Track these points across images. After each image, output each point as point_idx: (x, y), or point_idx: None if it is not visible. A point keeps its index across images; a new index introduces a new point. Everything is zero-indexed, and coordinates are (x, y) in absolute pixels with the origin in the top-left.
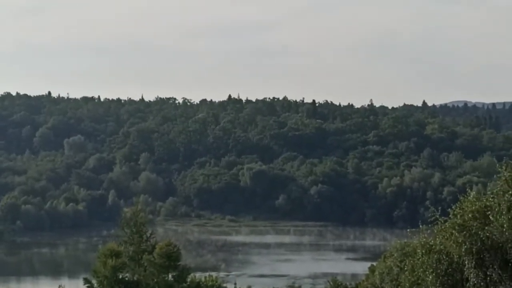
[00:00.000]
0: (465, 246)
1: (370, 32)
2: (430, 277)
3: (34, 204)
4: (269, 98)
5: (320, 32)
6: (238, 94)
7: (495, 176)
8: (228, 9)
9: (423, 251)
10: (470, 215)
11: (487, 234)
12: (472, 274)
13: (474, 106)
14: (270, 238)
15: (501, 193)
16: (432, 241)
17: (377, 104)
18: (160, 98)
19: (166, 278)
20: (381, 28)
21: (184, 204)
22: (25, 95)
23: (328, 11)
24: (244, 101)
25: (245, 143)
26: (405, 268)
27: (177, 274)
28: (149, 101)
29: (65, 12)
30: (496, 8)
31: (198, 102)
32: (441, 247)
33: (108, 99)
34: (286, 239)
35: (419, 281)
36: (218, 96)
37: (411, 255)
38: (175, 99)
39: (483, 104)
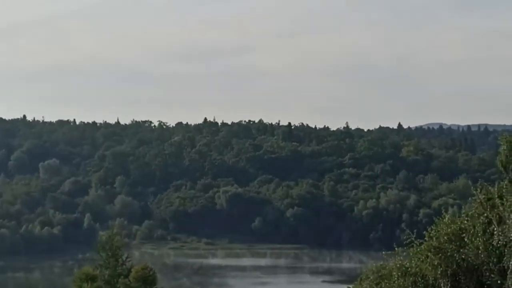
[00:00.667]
0: (441, 269)
1: (345, 55)
2: None
3: (9, 228)
4: (244, 121)
5: (294, 55)
6: (214, 117)
7: (470, 198)
8: (203, 32)
9: (399, 273)
10: (445, 238)
11: (463, 257)
12: None
13: (449, 129)
14: (246, 261)
15: (476, 215)
16: (408, 264)
17: (352, 126)
18: (136, 121)
19: None
20: (356, 51)
21: (160, 227)
22: (0, 118)
23: (302, 35)
24: (219, 124)
25: (221, 166)
26: None
27: None
28: (125, 124)
29: (39, 35)
30: (470, 31)
31: (174, 125)
32: (417, 269)
33: (84, 122)
34: (262, 262)
35: None
36: (194, 119)
37: (387, 277)
38: (150, 122)
39: (458, 126)
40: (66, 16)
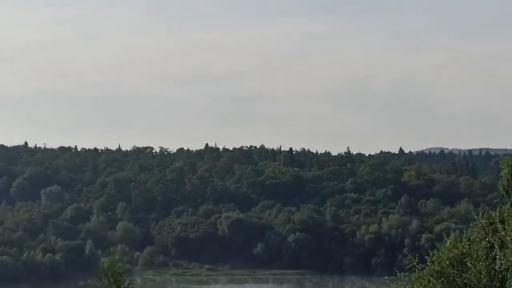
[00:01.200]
0: None
1: (345, 79)
2: None
3: (11, 255)
4: (246, 147)
5: (295, 80)
6: (215, 143)
7: (472, 223)
8: (204, 58)
9: None
10: (447, 262)
11: (465, 281)
12: None
13: (451, 153)
14: (248, 287)
15: (478, 239)
16: None
17: (354, 151)
18: (137, 147)
19: None
20: (356, 75)
21: (161, 254)
22: (1, 145)
23: (302, 59)
24: (221, 149)
25: (222, 192)
26: None
27: None
28: (126, 150)
29: (41, 61)
30: (470, 55)
31: (175, 151)
32: None
33: (85, 148)
34: (265, 287)
35: None
36: (195, 145)
37: None
38: (152, 148)
39: (460, 150)
40: (66, 40)
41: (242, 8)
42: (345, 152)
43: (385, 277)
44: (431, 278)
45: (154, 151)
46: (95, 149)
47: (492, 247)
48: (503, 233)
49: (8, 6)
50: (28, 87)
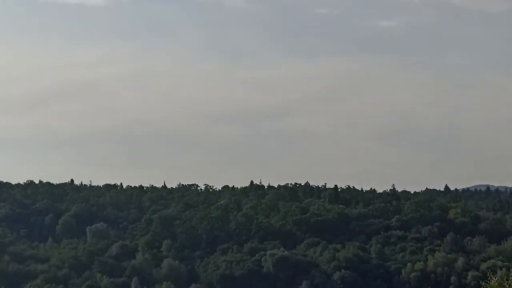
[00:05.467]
0: None
1: (391, 117)
2: None
3: None
4: (291, 184)
5: (340, 117)
6: (260, 180)
7: None
8: (249, 95)
9: None
10: None
11: None
12: None
13: (497, 190)
14: None
15: None
16: None
17: (399, 188)
18: (182, 185)
19: None
20: (402, 113)
21: None
22: (48, 183)
23: (347, 97)
24: (266, 187)
25: (267, 229)
26: None
27: None
28: (171, 188)
29: (87, 99)
30: None
31: (220, 189)
32: None
33: (131, 186)
34: None
35: None
36: (240, 182)
37: None
38: (197, 185)
39: (506, 188)
40: (111, 80)
41: (288, 47)
42: (390, 189)
43: None
44: None
45: (199, 188)
46: (141, 187)
47: None
48: None
49: (61, 48)
50: (75, 126)
